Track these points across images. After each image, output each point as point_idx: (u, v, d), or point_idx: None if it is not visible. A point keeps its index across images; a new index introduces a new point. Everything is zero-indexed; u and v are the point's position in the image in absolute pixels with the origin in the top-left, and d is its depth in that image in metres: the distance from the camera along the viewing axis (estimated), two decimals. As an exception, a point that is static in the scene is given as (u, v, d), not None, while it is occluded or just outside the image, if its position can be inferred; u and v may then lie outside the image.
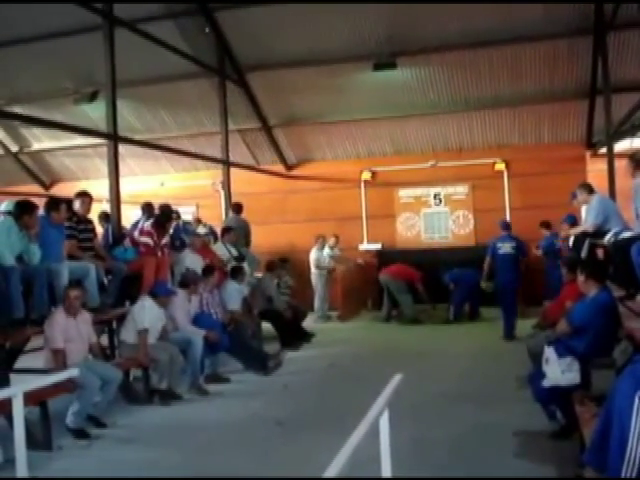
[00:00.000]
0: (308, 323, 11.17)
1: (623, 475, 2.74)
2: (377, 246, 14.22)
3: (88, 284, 6.82)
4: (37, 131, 14.76)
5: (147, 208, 9.86)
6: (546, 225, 11.32)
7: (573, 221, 9.43)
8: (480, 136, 13.53)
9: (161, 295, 7.32)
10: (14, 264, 6.07)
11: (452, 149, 13.84)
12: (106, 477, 4.89)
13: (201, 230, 10.27)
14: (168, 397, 6.98)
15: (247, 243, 11.42)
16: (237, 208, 11.63)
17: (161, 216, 8.79)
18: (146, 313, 7.03)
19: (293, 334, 10.05)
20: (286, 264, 11.20)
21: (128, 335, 7.06)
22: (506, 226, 10.73)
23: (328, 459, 2.29)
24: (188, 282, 8.03)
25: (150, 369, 7.05)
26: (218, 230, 10.96)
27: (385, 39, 11.53)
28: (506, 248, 10.25)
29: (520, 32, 11.07)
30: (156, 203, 10.09)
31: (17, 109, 12.54)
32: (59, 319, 6.04)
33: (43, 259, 6.47)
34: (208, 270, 8.57)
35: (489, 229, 13.37)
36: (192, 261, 8.87)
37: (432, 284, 12.00)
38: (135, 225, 9.59)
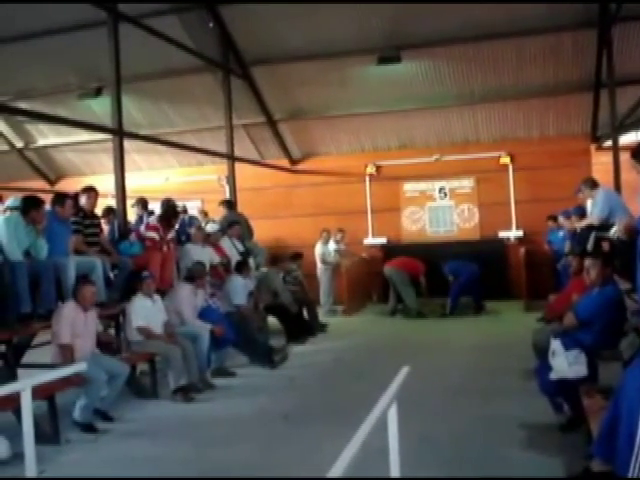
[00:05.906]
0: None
1: (632, 466, 2.75)
2: (382, 240, 14.23)
3: (94, 279, 6.81)
4: (42, 127, 14.79)
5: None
6: (553, 218, 11.29)
7: (581, 213, 9.36)
8: (485, 129, 13.51)
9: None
10: (21, 259, 6.10)
11: (457, 143, 13.82)
12: (108, 477, 4.87)
13: (210, 227, 10.15)
14: (191, 392, 6.88)
15: (250, 235, 11.38)
16: (230, 204, 11.50)
17: (167, 211, 8.79)
18: (137, 311, 6.99)
19: (299, 328, 10.06)
20: (298, 259, 11.22)
21: (130, 333, 7.04)
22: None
23: (335, 453, 2.29)
24: (194, 276, 8.01)
25: (158, 363, 7.07)
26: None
27: (389, 33, 11.50)
28: None
29: (524, 25, 11.03)
30: (161, 198, 10.07)
31: (22, 105, 12.54)
32: (67, 313, 5.99)
33: (50, 254, 6.49)
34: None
35: (494, 222, 13.46)
36: (197, 253, 8.82)
37: (436, 278, 11.92)
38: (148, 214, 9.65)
